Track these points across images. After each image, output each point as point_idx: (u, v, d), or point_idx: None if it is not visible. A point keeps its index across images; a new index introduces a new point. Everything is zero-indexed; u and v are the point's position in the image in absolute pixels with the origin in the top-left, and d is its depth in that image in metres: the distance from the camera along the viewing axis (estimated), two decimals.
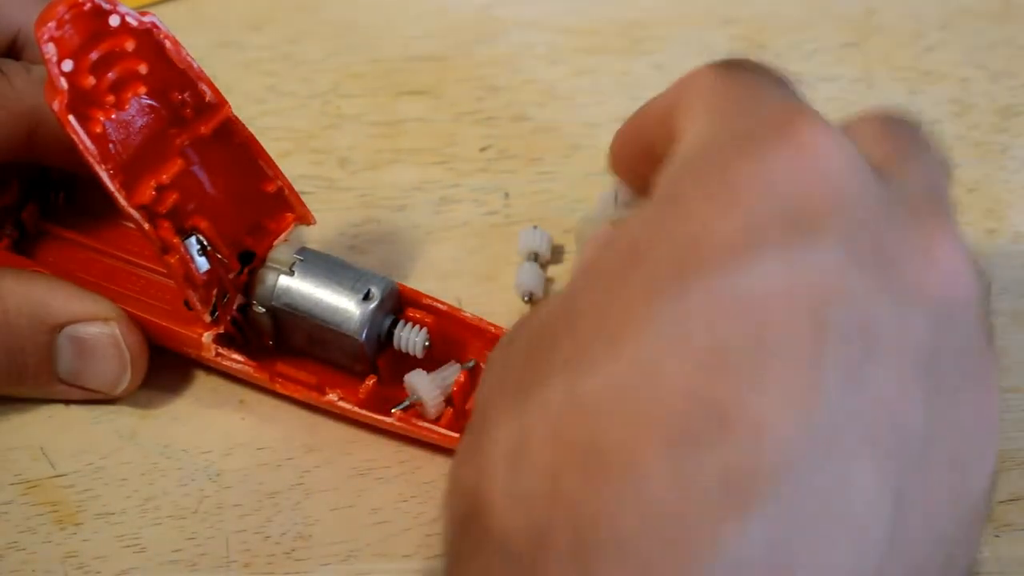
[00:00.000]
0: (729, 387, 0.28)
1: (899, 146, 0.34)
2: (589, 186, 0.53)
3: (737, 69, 0.34)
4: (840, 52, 0.58)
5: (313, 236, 0.50)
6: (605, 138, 0.54)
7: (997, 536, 0.44)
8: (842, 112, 0.55)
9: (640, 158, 0.37)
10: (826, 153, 0.31)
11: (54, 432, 0.46)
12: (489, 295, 0.49)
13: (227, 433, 0.46)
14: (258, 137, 0.46)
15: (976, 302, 0.31)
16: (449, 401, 0.45)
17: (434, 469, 0.45)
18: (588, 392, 0.29)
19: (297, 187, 0.47)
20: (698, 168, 0.31)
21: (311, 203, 0.47)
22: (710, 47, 0.58)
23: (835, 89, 0.56)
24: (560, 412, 0.29)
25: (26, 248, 0.49)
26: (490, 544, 0.29)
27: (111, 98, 0.42)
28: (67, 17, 0.41)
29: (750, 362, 0.28)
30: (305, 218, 0.47)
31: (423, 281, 0.47)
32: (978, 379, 0.31)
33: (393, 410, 0.45)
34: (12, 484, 0.45)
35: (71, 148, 0.42)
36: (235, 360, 0.46)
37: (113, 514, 0.44)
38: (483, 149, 0.55)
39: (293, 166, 0.49)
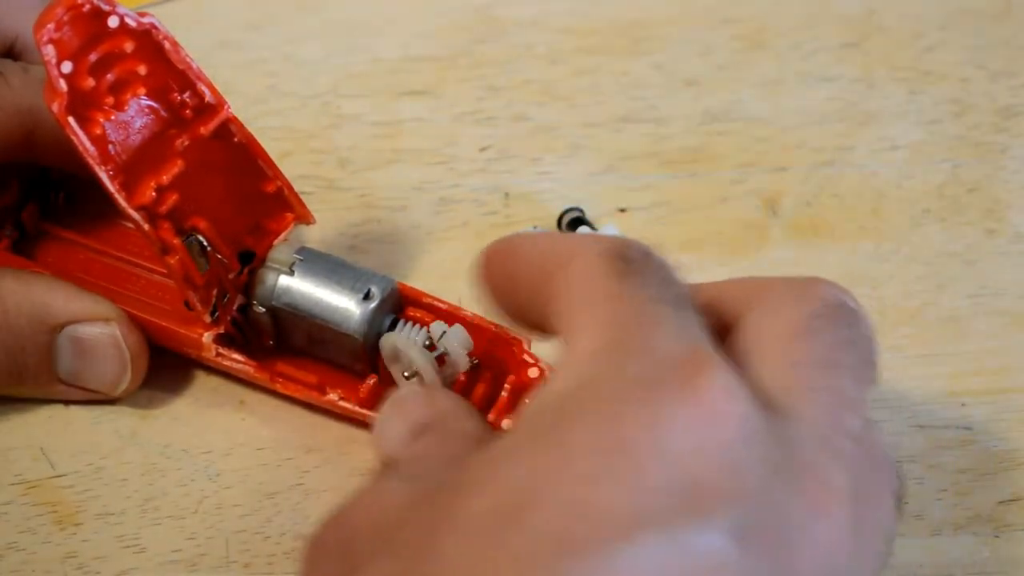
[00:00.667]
0: None
1: (812, 357, 0.33)
2: (589, 186, 0.53)
3: (627, 268, 0.33)
4: (840, 52, 0.58)
5: (313, 236, 0.50)
6: (605, 138, 0.55)
7: (997, 536, 0.44)
8: (842, 113, 0.55)
9: (515, 299, 0.36)
10: (724, 411, 0.30)
11: (54, 432, 0.46)
12: None
13: (227, 433, 0.46)
14: (258, 137, 0.46)
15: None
16: None
17: None
18: None
19: (297, 187, 0.47)
20: (590, 414, 0.30)
21: (311, 203, 0.47)
22: (710, 47, 0.58)
23: (835, 89, 0.56)
24: None
25: (26, 248, 0.49)
26: None
27: (110, 99, 0.42)
28: (66, 19, 0.41)
29: None
30: (305, 218, 0.47)
31: (423, 281, 0.47)
32: None
33: None
34: (12, 484, 0.45)
35: (70, 148, 0.42)
36: (235, 360, 0.46)
37: (113, 514, 0.44)
38: (483, 149, 0.55)
39: (293, 166, 0.49)
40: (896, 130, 0.55)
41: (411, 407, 0.35)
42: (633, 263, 0.33)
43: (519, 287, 0.35)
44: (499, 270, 0.37)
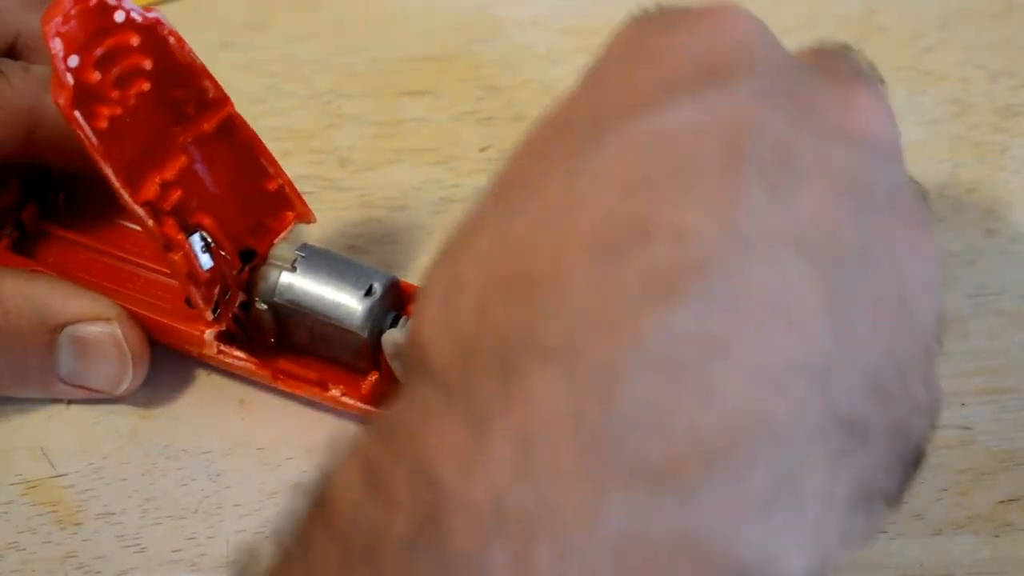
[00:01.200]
0: (649, 205, 0.29)
1: (823, 58, 0.35)
2: None
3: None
4: None
5: (313, 236, 0.49)
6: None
7: (997, 536, 0.44)
8: None
9: None
10: (736, 22, 0.32)
11: (54, 432, 0.46)
12: None
13: (227, 433, 0.46)
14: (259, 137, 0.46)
15: (899, 150, 0.33)
16: None
17: None
18: (513, 231, 0.30)
19: (297, 187, 0.47)
20: (614, 45, 0.33)
21: (311, 203, 0.47)
22: None
23: None
24: (488, 253, 0.30)
25: (26, 248, 0.49)
26: (428, 380, 0.30)
27: (116, 94, 0.42)
28: (73, 12, 0.41)
29: (669, 184, 0.29)
30: (305, 216, 0.47)
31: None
32: (911, 218, 0.32)
33: None
34: (12, 484, 0.45)
35: (70, 148, 0.42)
36: (237, 357, 0.46)
37: (113, 514, 0.44)
38: (483, 149, 0.55)
39: (293, 166, 0.49)
40: None
41: None
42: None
43: None
44: None
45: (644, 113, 0.30)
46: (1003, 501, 0.44)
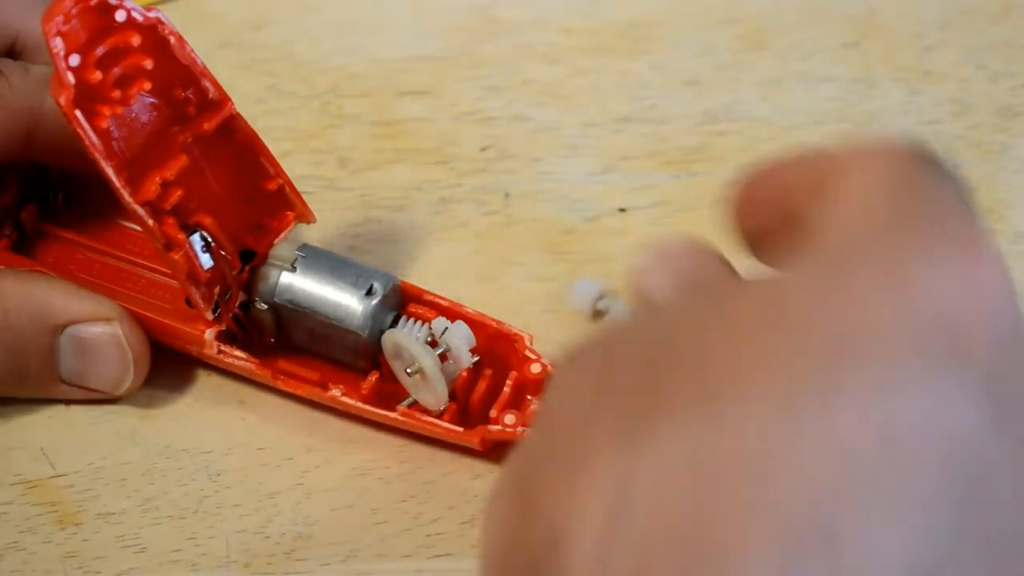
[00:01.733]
0: (849, 511, 0.27)
1: None
2: (589, 186, 0.53)
3: (925, 163, 0.32)
4: (840, 52, 0.58)
5: (313, 236, 0.49)
6: (605, 138, 0.55)
7: None
8: (842, 113, 0.55)
9: (774, 211, 0.35)
10: (993, 281, 0.29)
11: (54, 432, 0.46)
12: (489, 295, 0.49)
13: (227, 433, 0.46)
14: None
15: None
16: (453, 396, 0.45)
17: (434, 469, 0.45)
18: (706, 459, 0.27)
19: (297, 187, 0.47)
20: (867, 248, 0.30)
21: (311, 203, 0.47)
22: (710, 47, 0.58)
23: (835, 89, 0.56)
24: (671, 471, 0.27)
25: (26, 249, 0.49)
26: None
27: (116, 93, 0.42)
28: (74, 12, 0.41)
29: (875, 490, 0.27)
30: (305, 216, 0.47)
31: (423, 281, 0.47)
32: None
33: (397, 406, 0.45)
34: (12, 484, 0.45)
35: (70, 148, 0.42)
36: (237, 357, 0.46)
37: (113, 514, 0.44)
38: (483, 149, 0.55)
39: (293, 166, 0.49)
40: (896, 130, 0.55)
41: (680, 262, 0.35)
42: (936, 163, 0.32)
43: (791, 184, 0.34)
44: (769, 175, 0.36)
45: (882, 381, 0.28)
46: None
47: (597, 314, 0.49)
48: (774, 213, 0.34)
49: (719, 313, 0.29)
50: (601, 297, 0.48)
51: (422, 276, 0.49)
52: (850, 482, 0.27)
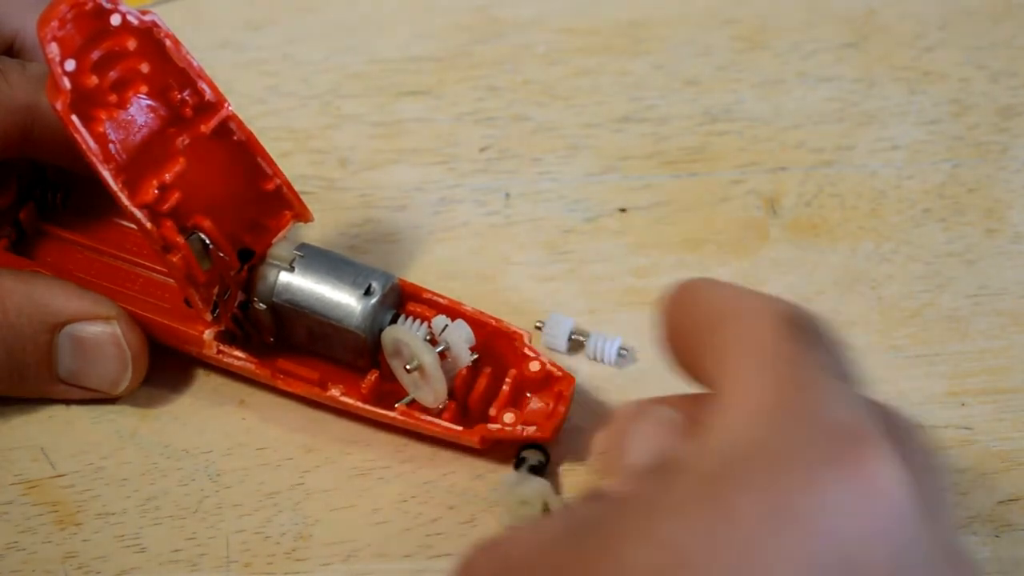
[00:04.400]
0: None
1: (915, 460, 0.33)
2: (589, 186, 0.53)
3: (801, 334, 0.33)
4: (840, 52, 0.58)
5: (313, 236, 0.50)
6: (605, 138, 0.55)
7: (997, 536, 0.44)
8: (842, 113, 0.55)
9: (686, 346, 0.36)
10: (887, 492, 0.30)
11: (54, 432, 0.46)
12: (489, 295, 0.49)
13: (227, 433, 0.46)
14: (258, 137, 0.46)
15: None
16: (452, 394, 0.45)
17: (434, 469, 0.45)
18: None
19: (297, 187, 0.47)
20: (755, 479, 0.30)
21: (311, 203, 0.47)
22: (710, 47, 0.58)
23: (835, 89, 0.56)
24: None
25: (24, 249, 0.49)
26: None
27: (113, 97, 0.42)
28: (69, 16, 0.41)
29: None
30: (303, 216, 0.47)
31: (423, 281, 0.47)
32: None
33: (397, 404, 0.45)
34: (12, 484, 0.45)
35: (68, 145, 0.42)
36: (237, 357, 0.46)
37: (113, 514, 0.44)
38: (483, 149, 0.55)
39: (293, 166, 0.49)
40: (896, 130, 0.55)
41: (659, 436, 0.35)
42: (807, 331, 0.33)
43: (687, 332, 0.35)
44: (679, 314, 0.36)
45: None
46: (1003, 501, 0.44)
47: (574, 345, 0.49)
48: (684, 341, 0.36)
49: (605, 562, 0.30)
50: (574, 333, 0.48)
51: (422, 276, 0.49)
52: None
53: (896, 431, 0.32)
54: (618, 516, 0.31)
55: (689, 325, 0.35)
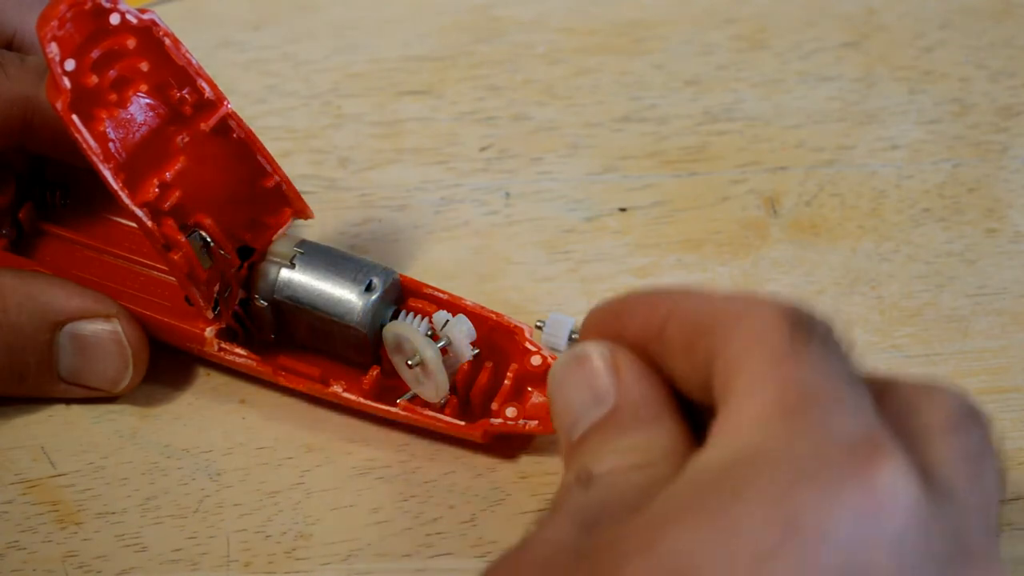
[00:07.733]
0: None
1: (967, 450, 0.32)
2: (589, 186, 0.53)
3: (809, 335, 0.32)
4: (840, 52, 0.58)
5: (314, 236, 0.49)
6: (605, 138, 0.55)
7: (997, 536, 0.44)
8: (842, 113, 0.55)
9: (644, 341, 0.35)
10: (895, 501, 0.29)
11: (55, 432, 0.46)
12: (489, 295, 0.49)
13: (228, 432, 0.46)
14: (258, 136, 0.46)
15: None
16: (453, 389, 0.45)
17: (434, 469, 0.45)
18: None
19: (298, 187, 0.47)
20: (759, 488, 0.30)
21: (312, 203, 0.47)
22: (710, 47, 0.58)
23: (835, 89, 0.56)
24: None
25: (24, 248, 0.49)
26: None
27: (113, 96, 0.42)
28: (69, 16, 0.41)
29: None
30: (303, 213, 0.47)
31: (423, 280, 0.47)
32: None
33: (398, 400, 0.45)
34: (12, 484, 0.45)
35: (67, 138, 0.42)
36: (238, 355, 0.46)
37: (114, 513, 0.44)
38: (483, 149, 0.55)
39: (293, 166, 0.49)
40: (896, 130, 0.55)
41: (629, 428, 0.35)
42: (815, 332, 0.32)
43: (668, 343, 0.35)
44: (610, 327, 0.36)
45: None
46: (1003, 501, 0.44)
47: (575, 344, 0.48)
48: (642, 336, 0.36)
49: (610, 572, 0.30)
50: (574, 332, 0.48)
51: (422, 276, 0.49)
52: None
53: (923, 425, 0.32)
54: (621, 527, 0.31)
55: (667, 337, 0.35)
